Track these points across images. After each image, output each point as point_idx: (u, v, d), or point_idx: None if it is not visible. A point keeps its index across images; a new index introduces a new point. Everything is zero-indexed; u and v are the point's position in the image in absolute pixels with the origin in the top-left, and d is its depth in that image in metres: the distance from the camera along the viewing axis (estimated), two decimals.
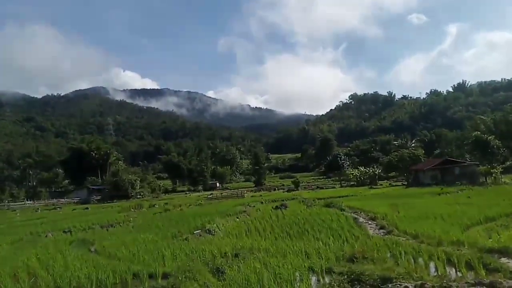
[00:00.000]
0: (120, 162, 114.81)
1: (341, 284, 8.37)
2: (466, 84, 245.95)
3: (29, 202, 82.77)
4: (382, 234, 16.31)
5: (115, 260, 12.52)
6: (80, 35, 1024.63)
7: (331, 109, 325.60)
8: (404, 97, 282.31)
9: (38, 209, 63.18)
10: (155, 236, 18.32)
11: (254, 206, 35.68)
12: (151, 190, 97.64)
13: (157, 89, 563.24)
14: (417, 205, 25.86)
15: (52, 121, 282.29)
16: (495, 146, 66.29)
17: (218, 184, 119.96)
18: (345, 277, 8.81)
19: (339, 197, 42.26)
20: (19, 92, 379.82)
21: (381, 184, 74.95)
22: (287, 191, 70.82)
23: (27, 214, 52.80)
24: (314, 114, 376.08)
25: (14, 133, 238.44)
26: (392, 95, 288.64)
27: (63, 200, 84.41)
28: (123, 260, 12.37)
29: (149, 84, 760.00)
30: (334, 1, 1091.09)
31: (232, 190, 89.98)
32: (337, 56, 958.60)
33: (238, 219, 25.52)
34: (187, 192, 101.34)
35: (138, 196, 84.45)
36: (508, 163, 75.89)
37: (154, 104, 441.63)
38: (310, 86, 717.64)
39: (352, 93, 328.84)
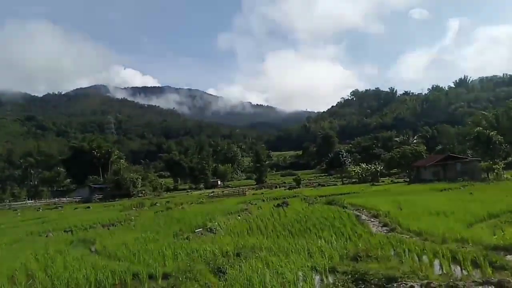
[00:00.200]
0: (121, 160, 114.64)
1: (345, 284, 8.19)
2: (468, 79, 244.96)
3: (30, 201, 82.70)
4: (385, 231, 16.13)
5: (115, 260, 12.38)
6: (81, 33, 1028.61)
7: (332, 106, 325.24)
8: (406, 93, 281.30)
9: (39, 208, 63.13)
10: (156, 235, 18.21)
11: (255, 204, 35.62)
12: (153, 188, 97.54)
13: (158, 86, 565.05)
14: (419, 202, 25.62)
15: (53, 120, 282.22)
16: (497, 142, 65.99)
17: (219, 182, 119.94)
18: (349, 276, 8.62)
19: (341, 194, 42.08)
20: (20, 91, 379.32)
21: (383, 181, 74.69)
22: (289, 189, 70.71)
23: (28, 213, 52.69)
24: (315, 111, 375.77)
25: (15, 132, 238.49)
26: (394, 91, 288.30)
27: (64, 199, 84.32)
28: (123, 260, 12.23)
29: (150, 81, 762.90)
30: None
31: (234, 188, 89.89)
32: (338, 53, 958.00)
33: (239, 217, 25.41)
34: (189, 191, 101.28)
35: (140, 195, 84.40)
36: (510, 158, 75.50)
37: (155, 101, 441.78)
38: (311, 83, 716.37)
39: (353, 90, 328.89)
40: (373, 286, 8.11)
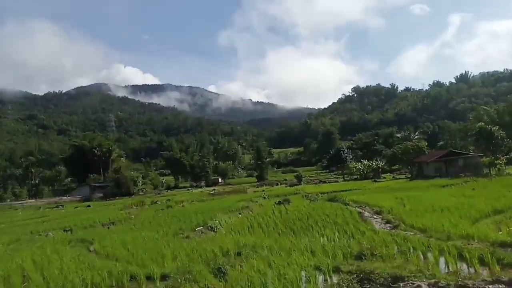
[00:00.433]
0: (122, 158, 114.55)
1: (350, 284, 7.89)
2: (469, 75, 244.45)
3: (31, 200, 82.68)
4: (388, 228, 15.86)
5: (113, 260, 12.11)
6: (81, 31, 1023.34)
7: (333, 102, 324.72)
8: (407, 89, 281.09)
9: (40, 207, 63.09)
10: (156, 234, 17.98)
11: (256, 202, 35.43)
12: (154, 186, 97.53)
13: (159, 84, 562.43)
14: (422, 198, 25.37)
15: (54, 118, 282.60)
16: (499, 137, 65.66)
17: (220, 180, 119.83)
18: (354, 276, 8.32)
19: (343, 191, 41.91)
20: (21, 89, 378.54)
21: (384, 177, 74.41)
22: (290, 186, 70.46)
23: (29, 212, 52.67)
24: (316, 108, 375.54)
25: (16, 131, 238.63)
26: (395, 87, 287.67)
27: (65, 198, 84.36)
28: (121, 260, 11.96)
29: (151, 79, 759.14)
30: None
31: (235, 186, 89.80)
32: (339, 49, 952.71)
33: (240, 215, 25.22)
34: (190, 188, 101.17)
35: (141, 193, 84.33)
36: None
37: (156, 99, 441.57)
38: (312, 79, 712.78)
39: (354, 86, 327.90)
40: (378, 286, 7.83)
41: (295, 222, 18.52)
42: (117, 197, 76.25)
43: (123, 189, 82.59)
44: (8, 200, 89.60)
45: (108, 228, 24.87)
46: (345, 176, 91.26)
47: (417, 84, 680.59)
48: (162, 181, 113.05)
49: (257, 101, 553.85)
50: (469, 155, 60.52)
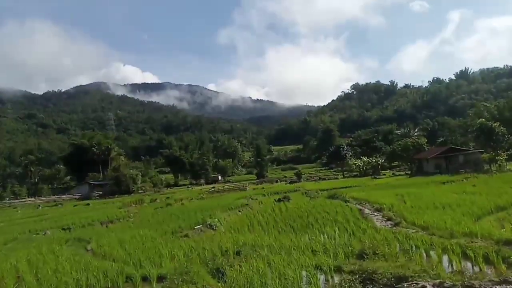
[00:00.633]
0: (121, 157, 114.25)
1: (352, 285, 7.65)
2: (469, 71, 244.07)
3: (30, 199, 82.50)
4: (389, 226, 15.60)
5: (110, 260, 11.89)
6: (80, 30, 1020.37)
7: (332, 100, 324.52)
8: (406, 86, 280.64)
9: (39, 206, 62.92)
10: (154, 232, 17.75)
11: (256, 199, 35.22)
12: (153, 184, 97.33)
13: (158, 83, 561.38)
14: (423, 194, 25.11)
15: (53, 117, 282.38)
16: (500, 133, 65.45)
17: (220, 177, 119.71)
18: (356, 276, 8.07)
19: (343, 188, 41.68)
20: (20, 89, 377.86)
21: (384, 174, 74.37)
22: (290, 183, 70.36)
23: (28, 211, 52.54)
24: (316, 105, 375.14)
25: (16, 130, 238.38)
26: (394, 84, 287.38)
27: (64, 196, 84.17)
28: (118, 260, 11.73)
29: (150, 78, 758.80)
30: None
31: (234, 183, 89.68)
32: (338, 46, 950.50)
33: (240, 213, 25.01)
34: (189, 186, 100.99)
35: (140, 191, 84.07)
36: None
37: (155, 98, 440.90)
38: (311, 77, 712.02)
39: (353, 83, 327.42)
40: (382, 286, 7.58)
41: (295, 220, 18.30)
42: (116, 195, 75.95)
43: (122, 187, 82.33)
44: (8, 199, 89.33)
45: (107, 226, 24.68)
46: (345, 173, 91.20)
47: (416, 81, 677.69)
48: (162, 179, 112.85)
49: (257, 99, 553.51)
50: (470, 151, 60.35)
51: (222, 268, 9.23)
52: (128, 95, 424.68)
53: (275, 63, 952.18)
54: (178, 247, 12.77)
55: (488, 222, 13.93)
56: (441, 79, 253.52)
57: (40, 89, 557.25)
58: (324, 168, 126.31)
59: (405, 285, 7.43)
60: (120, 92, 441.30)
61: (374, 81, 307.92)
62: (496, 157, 56.24)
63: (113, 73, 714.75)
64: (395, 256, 9.61)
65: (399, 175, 68.46)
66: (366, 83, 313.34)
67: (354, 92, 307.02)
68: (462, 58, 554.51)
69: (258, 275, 8.41)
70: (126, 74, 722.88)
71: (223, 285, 8.39)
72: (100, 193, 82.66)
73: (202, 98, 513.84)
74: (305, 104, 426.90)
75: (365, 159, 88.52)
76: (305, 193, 38.36)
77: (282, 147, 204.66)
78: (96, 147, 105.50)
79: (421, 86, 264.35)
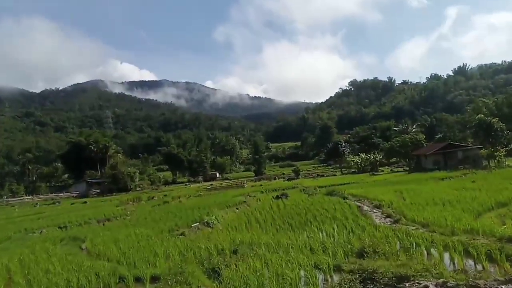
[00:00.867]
0: (119, 154, 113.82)
1: (352, 285, 7.39)
2: (467, 67, 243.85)
3: (28, 197, 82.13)
4: (389, 223, 15.36)
5: (104, 260, 11.63)
6: (77, 29, 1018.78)
7: (330, 96, 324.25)
8: (404, 82, 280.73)
9: (37, 204, 62.61)
10: (151, 231, 17.51)
11: (254, 196, 35.00)
12: (151, 182, 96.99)
13: (155, 80, 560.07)
14: (422, 191, 24.92)
15: (51, 115, 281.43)
16: (498, 129, 65.28)
17: (218, 175, 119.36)
18: (356, 276, 7.80)
19: (341, 184, 41.52)
20: (18, 87, 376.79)
21: (382, 171, 74.03)
22: (288, 180, 70.05)
23: (25, 209, 52.31)
24: (314, 102, 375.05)
25: (14, 129, 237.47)
26: (392, 80, 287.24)
27: (62, 194, 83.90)
28: (112, 260, 11.48)
29: (147, 75, 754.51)
30: None
31: (232, 180, 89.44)
32: (336, 43, 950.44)
33: (237, 210, 24.80)
34: (187, 183, 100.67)
35: (138, 189, 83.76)
36: (511, 145, 74.83)
37: (153, 95, 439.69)
38: (309, 73, 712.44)
39: (351, 80, 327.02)
40: (383, 286, 7.32)
41: (293, 217, 18.08)
42: (114, 193, 75.71)
43: (120, 185, 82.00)
44: (5, 197, 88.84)
45: (103, 224, 24.45)
46: (343, 169, 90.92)
47: (414, 77, 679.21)
48: (160, 177, 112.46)
49: (255, 96, 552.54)
50: (468, 147, 60.16)
51: (218, 267, 8.96)
52: (126, 93, 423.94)
53: (272, 60, 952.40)
54: (173, 246, 12.52)
55: (489, 219, 13.68)
56: (439, 75, 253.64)
57: (37, 88, 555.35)
58: (322, 165, 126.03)
59: (407, 285, 7.17)
60: (117, 90, 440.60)
61: (372, 78, 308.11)
62: (495, 153, 55.93)
63: (110, 71, 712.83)
64: (396, 254, 9.36)
65: (398, 171, 68.18)
66: (364, 80, 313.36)
67: (352, 89, 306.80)
68: (460, 54, 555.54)
69: (255, 275, 8.17)
70: (124, 71, 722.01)
71: (218, 285, 8.14)
72: (98, 191, 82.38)
73: (199, 95, 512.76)
74: (303, 101, 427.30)
75: (363, 155, 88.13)
76: (303, 190, 38.14)
77: (280, 144, 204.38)
78: (93, 145, 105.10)
79: (419, 82, 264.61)
